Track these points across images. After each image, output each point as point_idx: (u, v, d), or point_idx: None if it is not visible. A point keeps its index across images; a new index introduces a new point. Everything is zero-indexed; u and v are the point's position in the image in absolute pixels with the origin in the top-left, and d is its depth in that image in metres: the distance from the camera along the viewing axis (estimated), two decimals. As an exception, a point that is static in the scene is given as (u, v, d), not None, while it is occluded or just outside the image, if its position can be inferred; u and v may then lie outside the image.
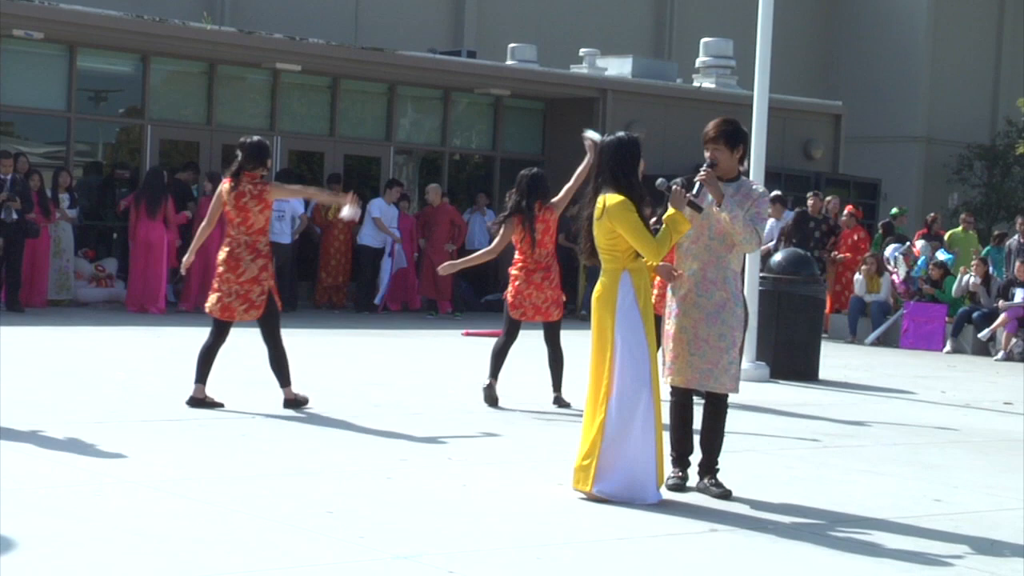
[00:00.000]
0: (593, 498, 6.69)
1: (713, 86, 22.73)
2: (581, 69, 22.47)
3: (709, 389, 7.14)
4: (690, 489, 7.18)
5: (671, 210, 6.90)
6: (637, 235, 6.74)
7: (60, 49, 18.02)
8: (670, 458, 7.24)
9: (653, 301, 7.10)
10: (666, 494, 7.00)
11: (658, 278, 10.95)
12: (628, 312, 6.76)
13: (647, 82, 22.11)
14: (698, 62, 23.47)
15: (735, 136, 7.14)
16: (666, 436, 7.05)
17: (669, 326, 7.19)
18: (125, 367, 11.48)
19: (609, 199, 6.76)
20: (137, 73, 18.80)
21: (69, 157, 18.29)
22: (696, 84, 23.01)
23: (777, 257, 14.22)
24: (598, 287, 6.87)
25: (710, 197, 7.03)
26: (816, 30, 32.28)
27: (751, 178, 12.86)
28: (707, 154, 7.16)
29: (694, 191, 6.99)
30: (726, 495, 7.03)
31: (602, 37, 25.97)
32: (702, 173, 7.02)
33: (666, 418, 7.06)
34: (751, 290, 12.92)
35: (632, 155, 6.89)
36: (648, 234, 6.79)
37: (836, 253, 19.18)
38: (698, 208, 6.95)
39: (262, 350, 9.43)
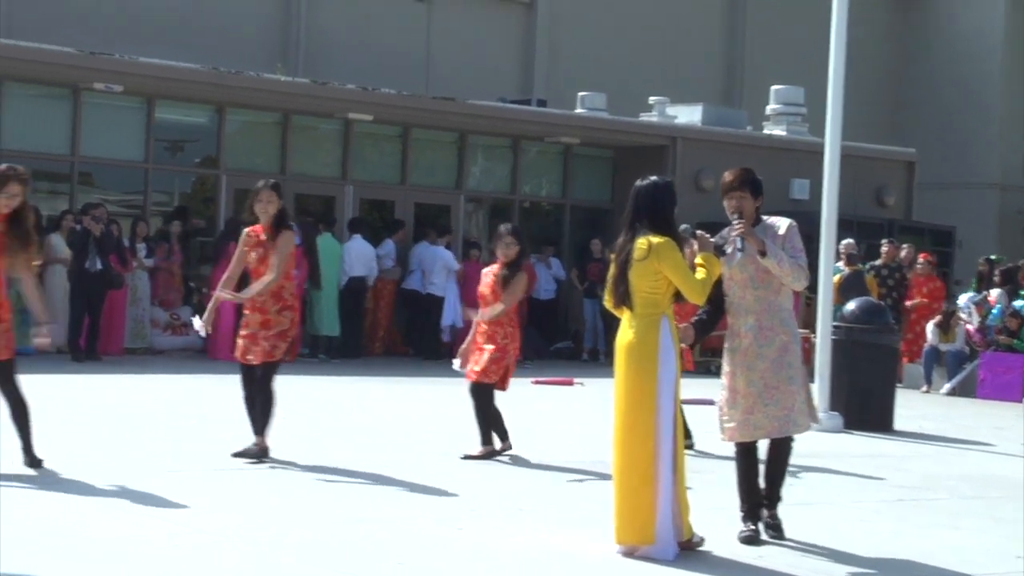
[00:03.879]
0: (632, 553, 6.59)
1: (784, 134, 22.65)
2: (651, 117, 22.49)
3: (787, 434, 7.11)
4: (764, 542, 7.11)
5: (701, 254, 6.88)
6: (684, 275, 6.70)
7: (138, 101, 18.34)
8: (741, 512, 7.18)
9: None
10: (739, 548, 6.93)
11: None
12: (668, 359, 6.69)
13: (717, 130, 22.08)
14: (768, 109, 23.42)
15: (757, 184, 7.19)
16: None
17: (736, 383, 7.11)
18: (198, 415, 11.59)
19: (654, 239, 6.70)
20: (212, 124, 19.09)
21: (146, 207, 18.58)
22: (767, 132, 22.94)
23: (850, 306, 14.08)
24: (629, 334, 6.72)
25: (749, 248, 7.02)
26: (888, 76, 32.09)
27: (823, 227, 12.85)
28: (727, 203, 7.15)
29: (738, 246, 6.99)
30: (780, 535, 7.03)
31: (672, 85, 25.99)
32: (738, 227, 7.02)
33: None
34: (823, 339, 12.81)
35: (670, 198, 6.86)
36: (693, 275, 6.77)
37: (909, 301, 18.96)
38: (724, 252, 6.98)
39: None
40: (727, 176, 7.24)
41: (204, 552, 6.36)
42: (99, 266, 15.87)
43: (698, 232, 7.02)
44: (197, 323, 9.24)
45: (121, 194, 19.02)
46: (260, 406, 9.13)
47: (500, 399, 14.56)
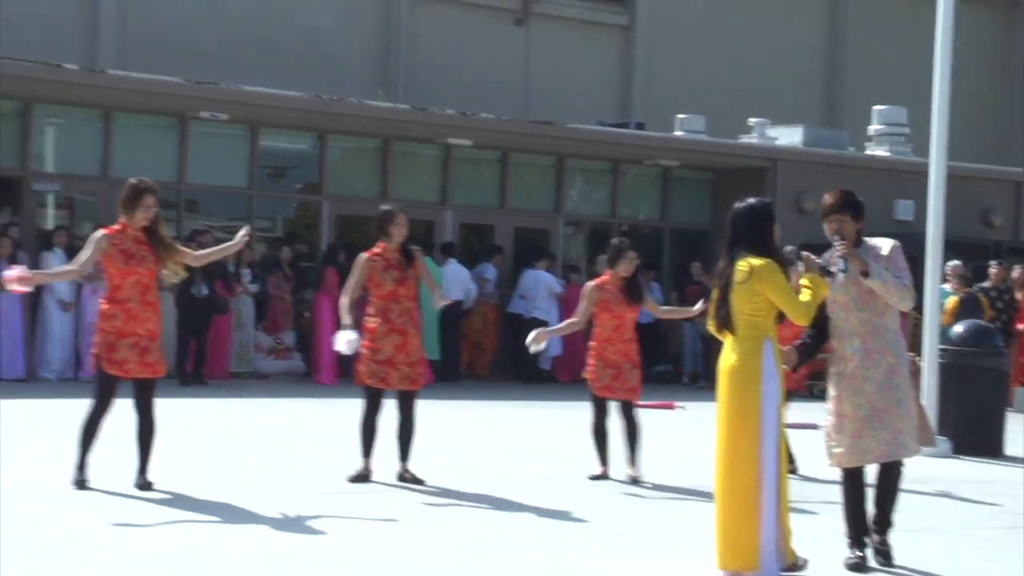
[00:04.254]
0: None
1: (887, 154, 22.36)
2: (750, 139, 22.34)
3: (897, 458, 7.02)
4: (871, 569, 7.00)
5: (807, 275, 6.82)
6: (787, 296, 6.65)
7: (243, 129, 18.67)
8: (847, 538, 7.09)
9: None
10: (845, 574, 6.83)
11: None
12: (771, 382, 6.62)
13: (818, 151, 21.87)
14: (871, 130, 23.13)
15: (858, 206, 7.12)
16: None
17: (842, 407, 7.03)
18: (304, 438, 11.73)
19: (755, 262, 6.65)
20: (315, 150, 19.37)
21: (250, 233, 18.83)
22: (869, 153, 22.67)
23: (958, 329, 13.83)
24: (732, 357, 6.67)
25: (852, 268, 6.94)
26: (993, 94, 31.51)
27: (928, 249, 12.65)
28: (827, 226, 7.09)
29: (840, 267, 6.92)
30: (888, 563, 6.92)
31: (772, 106, 25.78)
32: (839, 248, 6.95)
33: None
34: (930, 363, 12.59)
35: (768, 220, 6.80)
36: (796, 296, 6.71)
37: (1020, 324, 18.56)
38: (830, 273, 6.91)
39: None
40: (827, 198, 7.19)
41: (313, 574, 6.42)
42: (205, 292, 16.15)
43: (803, 253, 6.96)
44: (344, 343, 9.16)
45: (226, 220, 19.35)
46: (406, 432, 9.27)
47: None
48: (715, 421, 6.72)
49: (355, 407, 14.09)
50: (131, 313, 8.25)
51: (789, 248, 7.07)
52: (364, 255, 9.36)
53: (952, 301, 17.88)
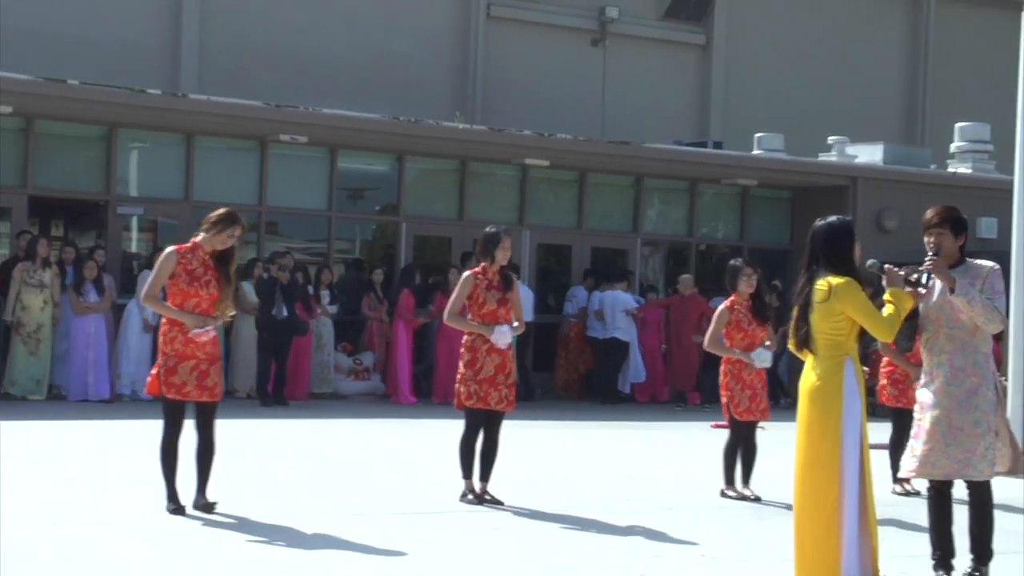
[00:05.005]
0: None
1: (969, 171, 22.04)
2: (830, 157, 22.14)
3: (967, 478, 6.92)
4: None
5: (890, 289, 6.74)
6: (869, 314, 6.57)
7: (322, 151, 18.85)
8: (932, 559, 6.98)
9: (878, 389, 6.90)
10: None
11: (882, 367, 10.64)
12: (853, 402, 6.54)
13: (899, 169, 21.61)
14: (953, 147, 22.82)
15: (960, 222, 7.06)
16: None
17: (923, 420, 6.98)
18: (383, 458, 11.78)
19: (834, 280, 6.58)
20: (393, 172, 19.50)
21: (329, 254, 19.05)
22: (951, 170, 22.36)
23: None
24: (812, 377, 6.59)
25: (939, 285, 6.86)
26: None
27: (1013, 266, 12.44)
28: (928, 239, 7.02)
29: (923, 279, 6.84)
30: None
31: (851, 124, 25.54)
32: (928, 263, 6.87)
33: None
34: (1017, 379, 12.36)
35: (848, 238, 6.73)
36: (879, 312, 6.63)
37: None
38: (913, 285, 6.81)
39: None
40: (928, 213, 7.13)
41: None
42: (285, 313, 16.30)
43: (886, 266, 6.88)
44: (501, 335, 9.15)
45: (305, 242, 19.53)
46: (491, 452, 9.30)
47: (685, 443, 14.46)
48: (795, 441, 6.65)
49: (434, 427, 14.20)
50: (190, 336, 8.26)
51: (871, 262, 6.98)
52: (468, 272, 9.44)
53: None
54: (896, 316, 6.68)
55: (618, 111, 25.08)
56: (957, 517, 7.06)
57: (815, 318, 6.64)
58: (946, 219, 7.04)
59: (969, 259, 7.12)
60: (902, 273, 6.91)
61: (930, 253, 6.96)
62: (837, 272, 6.63)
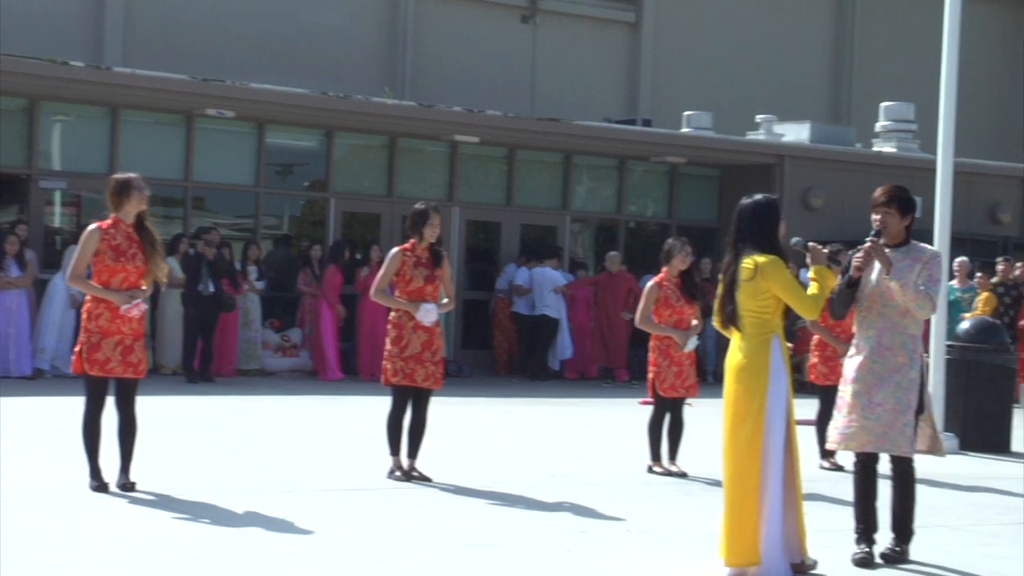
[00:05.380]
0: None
1: (894, 150, 22.32)
2: (758, 135, 22.31)
3: (884, 451, 7.05)
4: (878, 565, 6.99)
5: (814, 266, 6.82)
6: (793, 292, 6.64)
7: (250, 127, 18.68)
8: (855, 533, 7.09)
9: (807, 367, 6.97)
10: (853, 570, 6.82)
11: (812, 344, 10.78)
12: (779, 379, 6.61)
13: (825, 147, 21.83)
14: (878, 126, 23.09)
15: (907, 202, 7.14)
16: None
17: (846, 393, 7.08)
18: (309, 435, 11.73)
19: (760, 259, 6.64)
20: (321, 147, 19.37)
21: (257, 230, 18.90)
22: (876, 149, 22.63)
23: (965, 325, 13.81)
24: (739, 355, 6.66)
25: (878, 266, 6.96)
26: (1001, 91, 31.45)
27: (935, 245, 12.63)
28: (874, 218, 7.09)
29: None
30: (895, 559, 6.95)
31: (779, 103, 25.76)
32: (868, 243, 6.96)
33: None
34: (937, 359, 12.57)
35: (772, 217, 6.79)
36: (803, 291, 6.70)
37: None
38: (837, 263, 6.92)
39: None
40: (877, 191, 7.21)
41: (317, 573, 6.42)
42: (212, 289, 16.16)
43: (811, 244, 6.95)
44: (425, 312, 9.11)
45: (233, 218, 19.36)
46: (419, 430, 9.28)
47: (612, 420, 14.55)
48: (721, 419, 6.71)
49: (362, 404, 14.16)
50: (116, 311, 8.17)
51: (796, 240, 7.04)
52: (396, 249, 9.39)
53: (988, 297, 17.89)
54: (820, 294, 6.75)
55: (548, 88, 25.08)
56: (882, 493, 7.17)
57: (741, 296, 6.68)
58: (893, 199, 7.11)
59: (914, 241, 7.20)
60: (826, 251, 7.01)
61: (873, 231, 7.03)
62: (763, 250, 6.67)
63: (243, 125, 18.58)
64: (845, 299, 7.14)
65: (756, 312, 6.66)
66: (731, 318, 6.73)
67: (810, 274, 6.84)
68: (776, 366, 6.62)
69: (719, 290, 6.82)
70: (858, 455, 7.13)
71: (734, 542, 6.54)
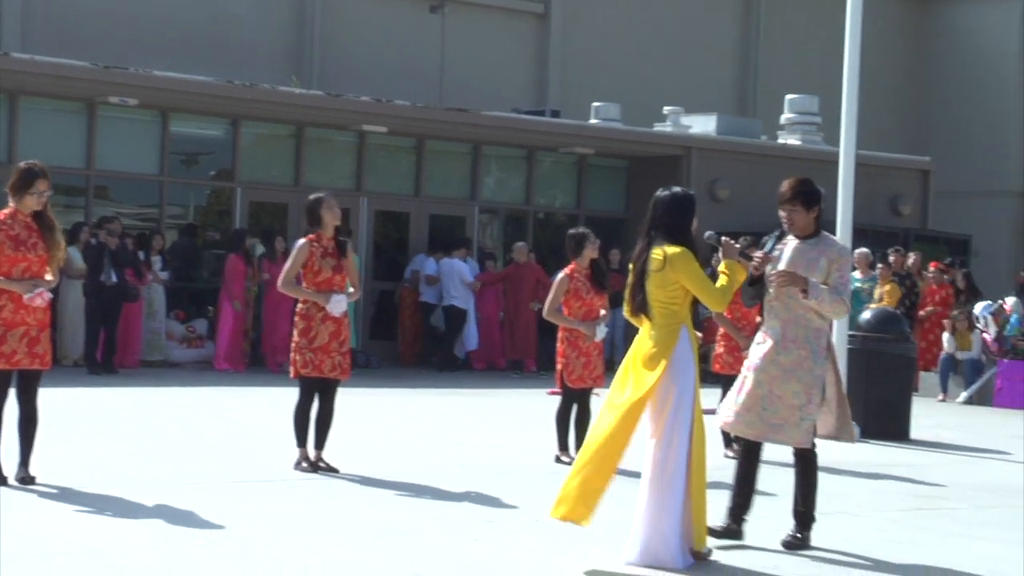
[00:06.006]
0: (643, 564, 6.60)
1: (799, 143, 22.62)
2: (665, 127, 22.48)
3: (778, 443, 7.18)
4: (739, 537, 7.15)
5: (725, 260, 6.90)
6: (701, 284, 6.71)
7: (153, 115, 18.42)
8: (728, 505, 7.22)
9: (712, 357, 7.02)
10: (756, 557, 6.91)
11: (719, 334, 10.94)
12: (688, 367, 6.68)
13: (732, 139, 22.07)
14: (783, 119, 23.40)
15: (811, 196, 7.22)
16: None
17: (748, 379, 7.19)
18: (215, 427, 11.61)
19: (669, 250, 6.70)
20: (227, 136, 19.16)
21: (162, 219, 18.65)
22: (781, 142, 22.92)
23: (866, 315, 14.06)
24: (647, 343, 6.72)
25: (788, 254, 7.07)
26: (903, 84, 32.02)
27: (837, 236, 12.83)
28: (782, 214, 7.17)
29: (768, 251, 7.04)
30: (796, 546, 7.06)
31: (686, 95, 25.98)
32: (780, 278, 7.03)
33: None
34: (839, 349, 12.75)
35: (688, 210, 6.85)
36: (711, 283, 6.78)
37: (921, 310, 18.93)
38: (748, 258, 6.97)
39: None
40: (783, 186, 7.28)
41: (223, 564, 6.36)
42: (115, 279, 15.92)
43: (723, 239, 7.01)
44: (336, 303, 9.05)
45: (137, 207, 19.09)
46: (326, 421, 9.21)
47: (521, 410, 14.58)
48: (612, 388, 6.74)
49: (268, 395, 14.04)
50: (21, 302, 8.02)
51: (709, 234, 7.10)
52: (303, 240, 9.30)
53: (892, 288, 18.21)
54: (728, 287, 6.83)
55: (457, 78, 25.05)
56: (785, 481, 7.28)
57: (651, 286, 6.74)
58: (797, 194, 7.20)
59: (826, 234, 7.30)
60: (737, 245, 7.08)
61: (776, 232, 7.12)
62: (674, 241, 6.73)
63: (146, 113, 18.33)
64: (751, 293, 7.26)
65: (665, 302, 6.72)
66: (641, 307, 6.79)
67: (720, 267, 6.91)
68: (684, 356, 6.68)
69: (630, 279, 6.86)
70: (746, 440, 7.25)
71: (574, 498, 6.53)
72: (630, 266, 6.91)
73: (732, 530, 7.22)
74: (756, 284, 7.19)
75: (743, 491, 7.24)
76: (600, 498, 6.57)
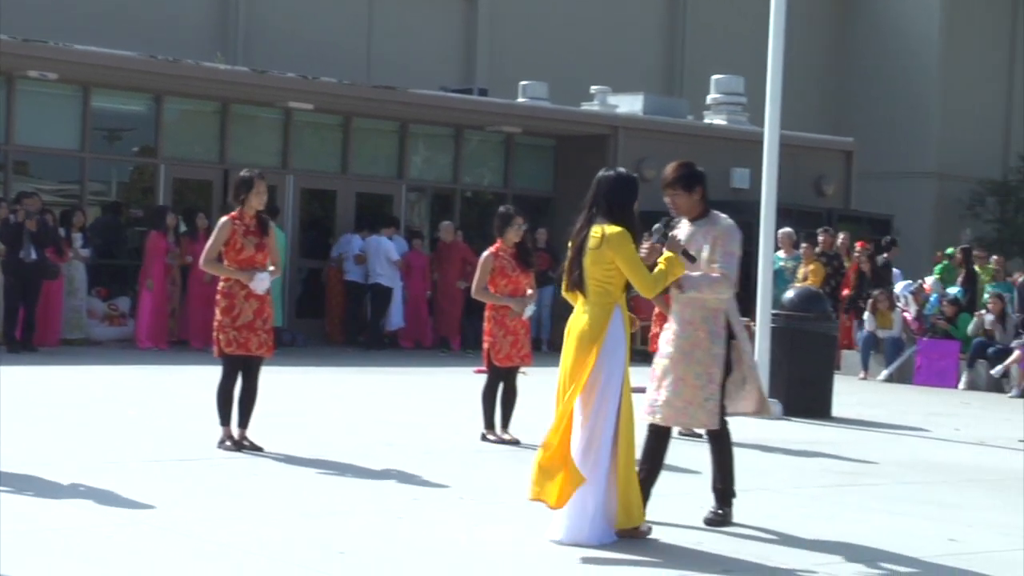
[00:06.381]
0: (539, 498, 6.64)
1: (724, 123, 22.77)
2: (592, 106, 22.53)
3: (685, 426, 7.24)
4: (666, 522, 7.20)
5: (667, 253, 6.92)
6: (635, 267, 6.74)
7: (74, 89, 18.13)
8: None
9: (650, 336, 7.08)
10: (681, 533, 6.97)
11: (654, 314, 11.02)
12: (617, 347, 6.73)
13: (658, 119, 22.16)
14: (709, 99, 23.53)
15: (691, 179, 7.24)
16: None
17: (656, 366, 7.27)
18: (137, 406, 11.49)
19: (608, 229, 6.73)
20: (150, 112, 18.91)
21: (83, 196, 18.38)
22: (707, 121, 23.05)
23: (789, 294, 14.21)
24: (582, 320, 6.76)
25: (682, 235, 7.12)
26: (827, 66, 32.35)
27: (762, 216, 12.94)
28: (666, 199, 7.25)
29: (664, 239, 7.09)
30: (717, 523, 7.13)
31: (613, 75, 26.04)
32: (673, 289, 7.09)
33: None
34: (762, 327, 12.90)
35: (630, 191, 6.88)
36: (645, 268, 6.81)
37: (846, 289, 19.17)
38: (692, 259, 7.02)
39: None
40: (666, 170, 7.30)
41: (143, 544, 6.30)
42: (34, 256, 15.68)
43: (671, 235, 7.01)
44: (260, 280, 9.02)
45: (57, 183, 18.80)
46: (250, 399, 9.16)
47: (447, 389, 14.59)
48: (558, 376, 6.80)
49: (191, 373, 13.91)
50: None
51: (658, 226, 7.10)
52: (225, 218, 9.23)
53: (816, 268, 18.39)
54: (662, 277, 6.85)
55: (384, 56, 24.91)
56: (703, 457, 7.33)
57: (587, 263, 6.78)
58: (677, 178, 7.23)
59: (716, 212, 7.33)
60: (683, 245, 7.06)
61: (663, 221, 7.15)
62: (614, 221, 6.76)
63: (67, 88, 18.04)
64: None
65: (600, 280, 6.76)
66: (577, 283, 6.84)
67: (660, 259, 6.92)
68: (615, 336, 6.73)
69: (569, 254, 6.89)
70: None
71: (547, 482, 6.58)
72: (569, 243, 6.94)
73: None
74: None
75: (650, 467, 7.21)
76: (569, 482, 6.57)
